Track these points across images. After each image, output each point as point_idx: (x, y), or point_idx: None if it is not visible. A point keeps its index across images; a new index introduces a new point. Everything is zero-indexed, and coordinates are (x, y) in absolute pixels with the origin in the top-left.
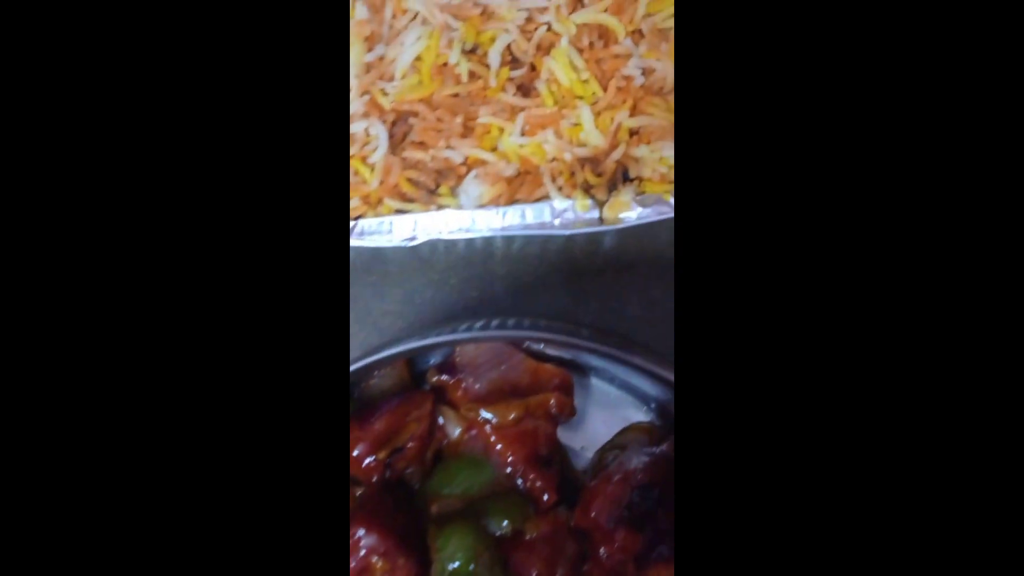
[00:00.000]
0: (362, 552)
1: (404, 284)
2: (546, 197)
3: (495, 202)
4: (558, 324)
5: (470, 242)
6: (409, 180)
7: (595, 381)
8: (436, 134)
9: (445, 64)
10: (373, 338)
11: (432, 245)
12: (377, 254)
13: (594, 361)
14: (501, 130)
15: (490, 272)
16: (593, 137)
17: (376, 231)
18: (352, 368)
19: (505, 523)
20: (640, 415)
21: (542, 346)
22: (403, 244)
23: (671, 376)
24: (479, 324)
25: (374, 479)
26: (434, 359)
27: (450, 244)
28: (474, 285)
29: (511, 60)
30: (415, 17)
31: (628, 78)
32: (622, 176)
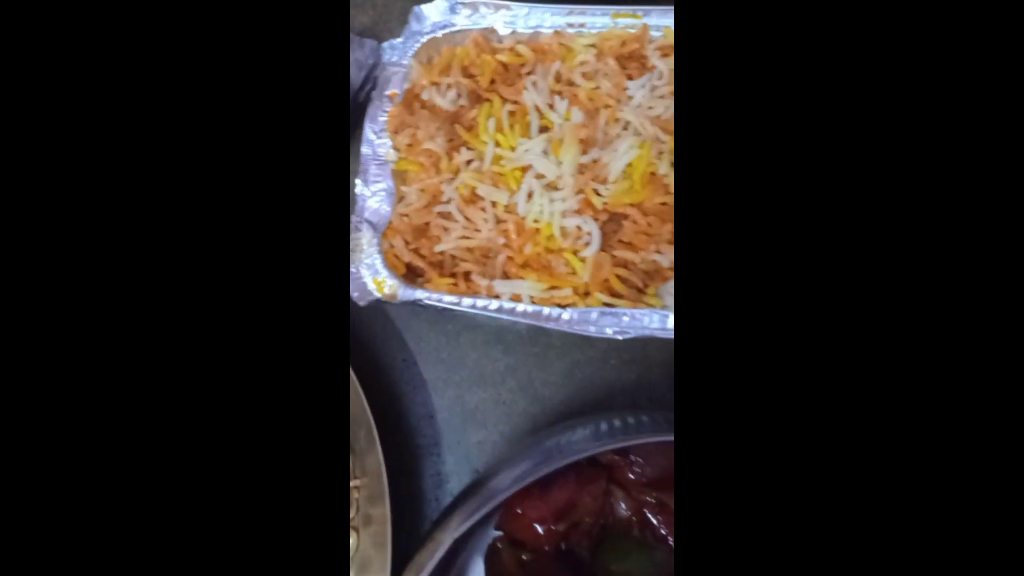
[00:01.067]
0: None
1: (565, 358)
2: None
3: None
4: None
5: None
6: (619, 278)
7: None
8: (646, 238)
9: (654, 173)
10: (533, 407)
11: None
12: (541, 327)
13: None
14: None
15: (647, 358)
16: None
17: (581, 321)
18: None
19: None
20: None
21: None
22: (615, 336)
23: None
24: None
25: (547, 548)
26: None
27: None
28: (632, 369)
29: None
30: (627, 127)
31: None
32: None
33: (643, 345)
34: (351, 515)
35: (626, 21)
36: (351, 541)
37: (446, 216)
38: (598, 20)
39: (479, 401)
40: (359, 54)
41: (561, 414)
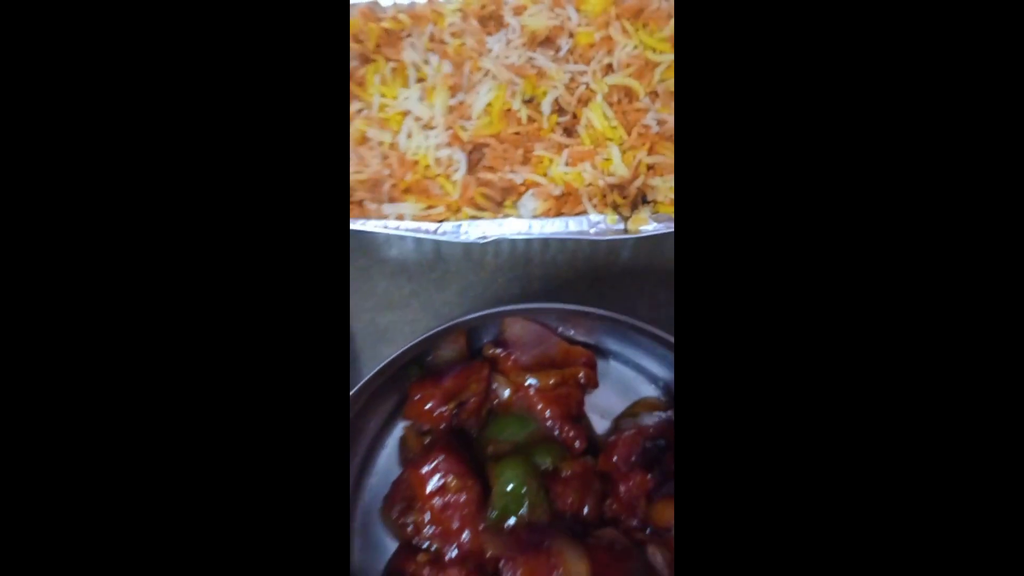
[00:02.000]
0: (438, 474)
1: (460, 281)
2: (584, 212)
3: (546, 214)
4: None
5: (521, 243)
6: (482, 195)
7: (613, 363)
8: (503, 161)
9: (509, 110)
10: (434, 322)
11: (497, 244)
12: (439, 256)
13: (612, 345)
14: (551, 161)
15: (529, 274)
16: (620, 169)
17: (454, 232)
18: (423, 337)
19: (547, 461)
20: (650, 391)
21: (572, 332)
22: (476, 241)
23: (672, 357)
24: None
25: (443, 426)
26: (487, 338)
27: (510, 244)
28: (516, 284)
29: (559, 109)
30: (487, 74)
31: (646, 127)
32: (642, 199)
33: (525, 263)
34: None
35: None
36: None
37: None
38: None
39: (389, 322)
40: None
41: None
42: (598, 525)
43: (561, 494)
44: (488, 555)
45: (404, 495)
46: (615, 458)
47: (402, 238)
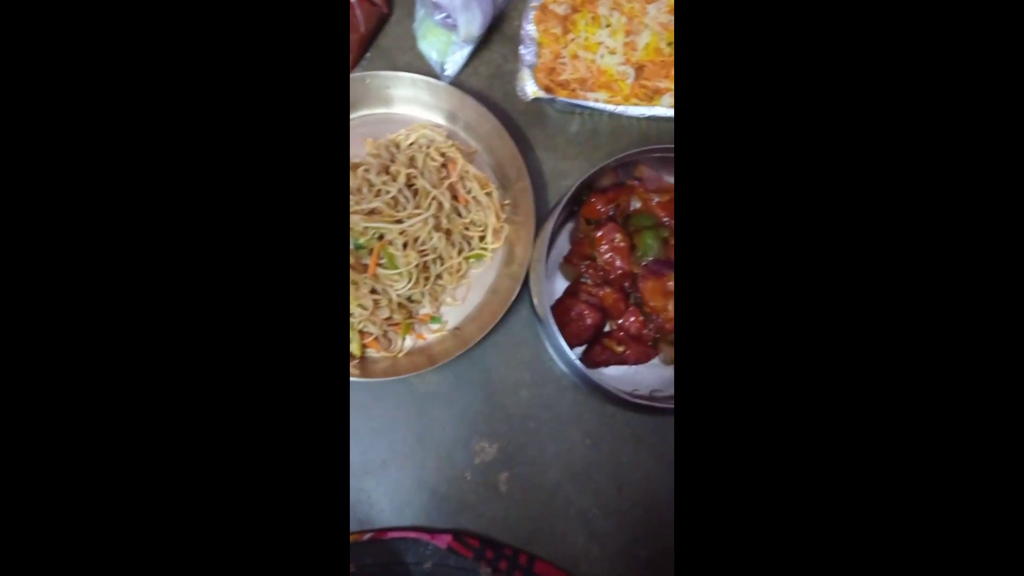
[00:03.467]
0: (610, 235)
1: (609, 146)
2: None
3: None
4: None
5: (655, 121)
6: (642, 92)
7: None
8: (654, 75)
9: (658, 47)
10: (564, 164)
11: (638, 120)
12: (596, 130)
13: None
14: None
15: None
16: None
17: (624, 110)
18: (588, 175)
19: (664, 232)
20: None
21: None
22: (642, 116)
23: None
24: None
25: (606, 217)
26: (626, 175)
27: (647, 121)
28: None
29: None
30: (647, 26)
31: None
32: None
33: (656, 137)
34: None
35: None
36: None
37: (563, 64)
38: None
39: (566, 167)
40: None
41: None
42: None
43: (670, 251)
44: (633, 276)
45: (582, 252)
46: None
47: (576, 115)
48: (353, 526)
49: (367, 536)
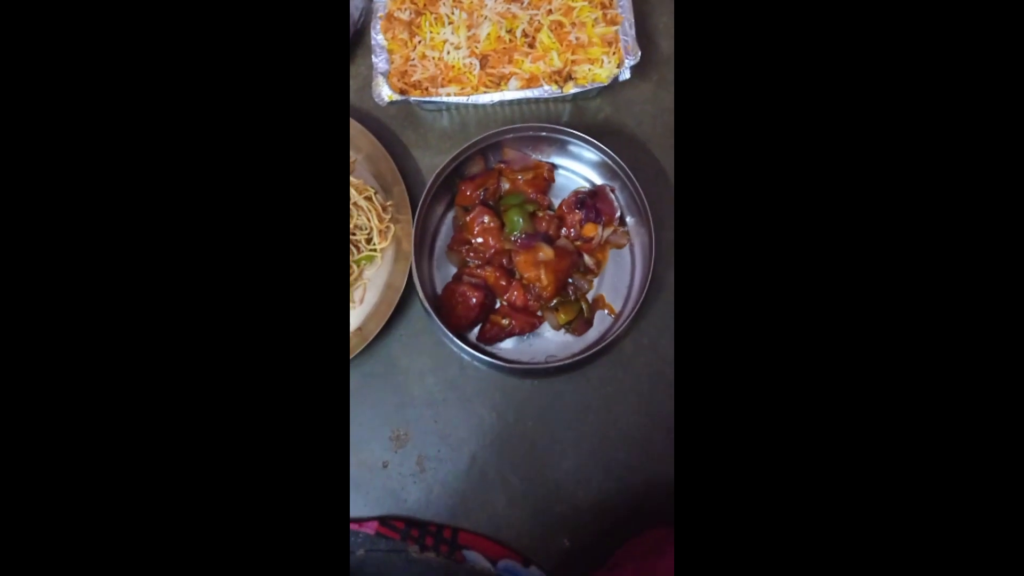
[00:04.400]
0: (481, 218)
1: (476, 133)
2: (540, 86)
3: (521, 88)
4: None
5: (507, 104)
6: (489, 80)
7: (560, 172)
8: (498, 62)
9: (499, 36)
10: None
11: (499, 106)
12: (464, 123)
13: (559, 161)
14: (522, 61)
15: (513, 122)
16: (556, 63)
17: (475, 99)
18: (448, 162)
19: (531, 208)
20: (581, 183)
21: (539, 155)
22: (487, 103)
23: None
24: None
25: (477, 201)
26: (494, 159)
27: (504, 105)
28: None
29: (524, 34)
30: (486, 17)
31: (570, 42)
32: (568, 77)
33: (512, 118)
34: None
35: None
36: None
37: (414, 66)
38: None
39: (438, 161)
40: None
41: None
42: (556, 238)
43: (538, 224)
44: (508, 252)
45: (461, 239)
46: (563, 207)
47: (443, 112)
48: None
49: None
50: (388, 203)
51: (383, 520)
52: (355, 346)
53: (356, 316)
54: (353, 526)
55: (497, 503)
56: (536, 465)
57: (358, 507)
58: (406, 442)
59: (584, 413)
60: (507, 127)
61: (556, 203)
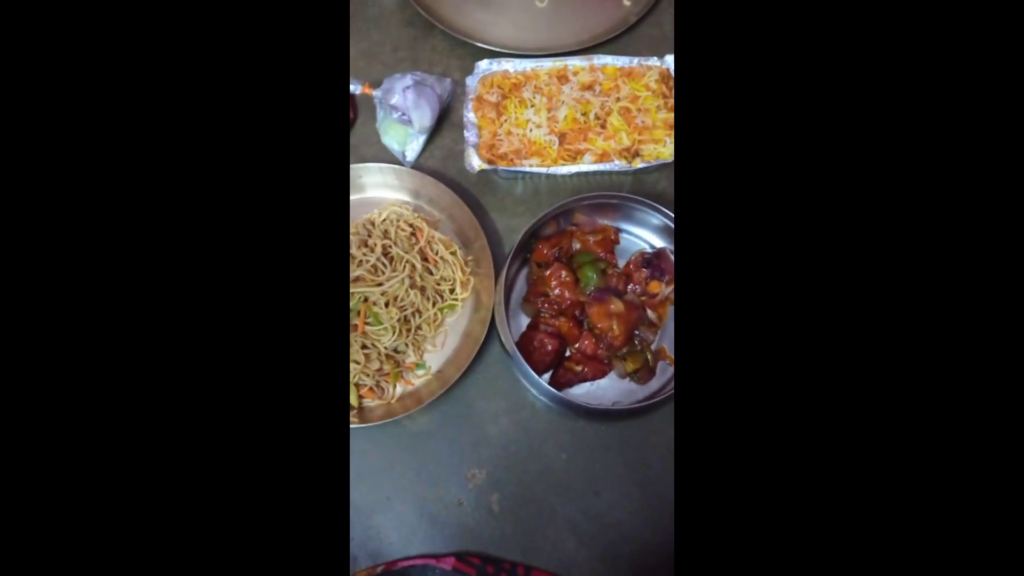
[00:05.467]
0: (558, 273)
1: (550, 202)
2: (611, 160)
3: (595, 162)
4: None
5: (582, 175)
6: (566, 155)
7: (624, 236)
8: (574, 140)
9: (575, 118)
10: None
11: (574, 176)
12: (537, 191)
13: (624, 226)
14: (595, 139)
15: (586, 191)
16: (625, 142)
17: (555, 171)
18: (535, 222)
19: (602, 265)
20: (645, 246)
21: (606, 221)
22: (566, 173)
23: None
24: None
25: (552, 259)
26: (566, 223)
27: (580, 176)
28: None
29: (597, 117)
30: (563, 102)
31: (636, 124)
32: (635, 154)
33: (585, 187)
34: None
35: (559, 64)
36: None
37: (500, 140)
38: (546, 62)
39: (515, 224)
40: (440, 88)
41: None
42: (624, 293)
43: (608, 280)
44: (581, 304)
45: (536, 291)
46: (631, 265)
47: (519, 180)
48: (366, 561)
49: (380, 568)
50: (469, 258)
51: (460, 556)
52: (436, 390)
53: (437, 360)
54: (431, 561)
55: (567, 543)
56: (603, 506)
57: (435, 543)
58: (481, 480)
59: (649, 456)
60: (585, 195)
61: (620, 263)
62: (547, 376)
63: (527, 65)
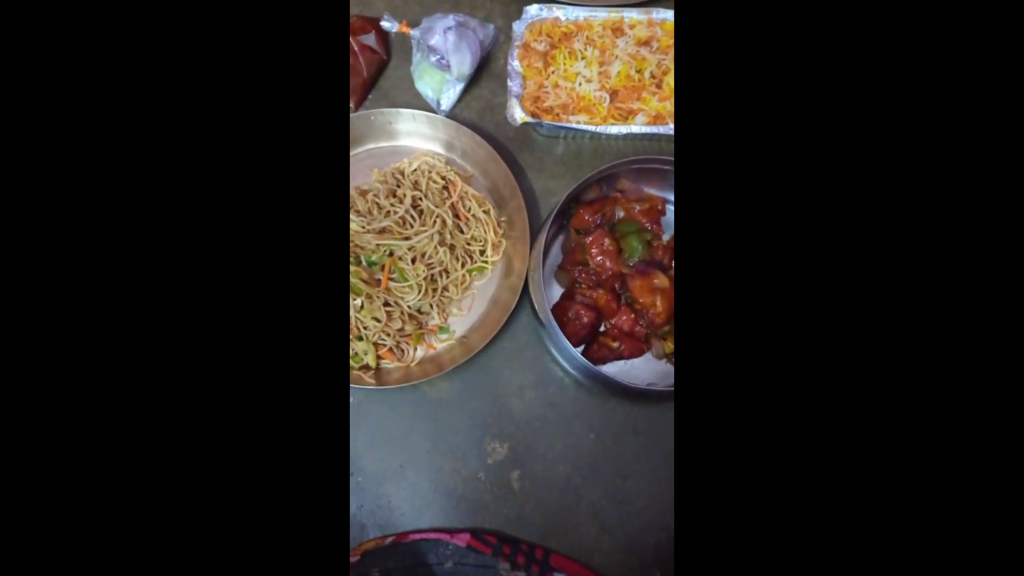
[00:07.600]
0: (600, 240)
1: (592, 164)
2: (665, 123)
3: (648, 124)
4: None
5: (631, 137)
6: (617, 114)
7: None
8: (626, 98)
9: (628, 75)
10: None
11: (617, 138)
12: (579, 151)
13: (670, 195)
14: (649, 99)
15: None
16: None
17: (604, 129)
18: (575, 187)
19: (647, 236)
20: None
21: (652, 190)
22: (616, 133)
23: None
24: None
25: (594, 225)
26: (609, 188)
27: (625, 138)
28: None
29: (652, 75)
30: (617, 57)
31: None
32: None
33: (633, 151)
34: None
35: (615, 15)
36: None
37: (546, 92)
38: (601, 12)
39: (553, 185)
40: (483, 33)
41: None
42: (669, 268)
43: (653, 253)
44: (623, 276)
45: (574, 259)
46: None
47: (560, 139)
48: (375, 531)
49: (389, 540)
50: (502, 218)
51: (475, 533)
52: (458, 357)
53: (461, 324)
54: (444, 536)
55: (589, 528)
56: (630, 492)
57: (450, 517)
58: (503, 455)
59: None
60: (635, 157)
61: (665, 237)
62: (579, 350)
63: (580, 14)
